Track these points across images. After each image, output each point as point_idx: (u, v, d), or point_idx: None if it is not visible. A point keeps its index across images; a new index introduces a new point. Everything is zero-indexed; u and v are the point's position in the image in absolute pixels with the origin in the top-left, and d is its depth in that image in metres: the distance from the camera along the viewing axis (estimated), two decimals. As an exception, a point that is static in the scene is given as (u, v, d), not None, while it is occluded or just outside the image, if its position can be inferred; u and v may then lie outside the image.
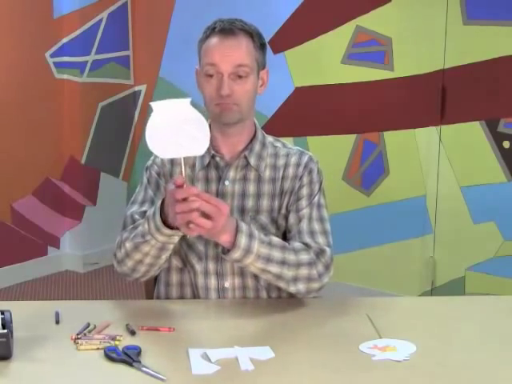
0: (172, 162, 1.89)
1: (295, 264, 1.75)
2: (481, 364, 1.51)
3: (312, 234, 1.83)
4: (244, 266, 1.74)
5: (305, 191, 1.87)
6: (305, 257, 1.78)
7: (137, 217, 1.83)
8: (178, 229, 1.65)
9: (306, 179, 1.88)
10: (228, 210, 1.64)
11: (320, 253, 1.80)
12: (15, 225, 4.30)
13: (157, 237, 1.70)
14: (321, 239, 1.83)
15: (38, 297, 4.08)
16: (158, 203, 1.69)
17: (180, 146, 1.60)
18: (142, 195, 1.89)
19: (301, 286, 1.77)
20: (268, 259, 1.72)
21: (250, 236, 1.70)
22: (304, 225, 1.85)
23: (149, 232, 1.70)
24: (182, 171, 1.62)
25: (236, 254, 1.69)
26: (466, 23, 3.53)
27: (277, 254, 1.73)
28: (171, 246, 1.75)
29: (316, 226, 1.85)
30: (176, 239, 1.73)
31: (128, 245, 1.77)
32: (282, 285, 1.77)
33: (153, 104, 1.62)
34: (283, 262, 1.74)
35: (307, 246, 1.81)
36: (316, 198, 1.88)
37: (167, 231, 1.67)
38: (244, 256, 1.69)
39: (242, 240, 1.68)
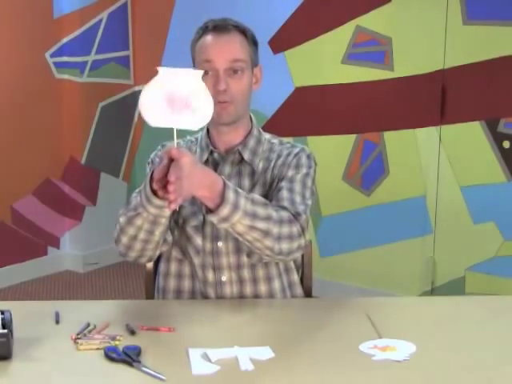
0: None
1: (278, 220, 1.72)
2: (481, 364, 1.51)
3: (292, 202, 1.80)
4: (230, 226, 1.68)
5: (290, 172, 1.87)
6: (285, 214, 1.75)
7: None
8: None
9: (292, 163, 1.88)
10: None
11: (296, 215, 1.77)
12: (15, 225, 4.30)
13: (148, 208, 1.67)
14: (299, 207, 1.80)
15: (38, 297, 4.08)
16: (149, 175, 1.67)
17: (177, 116, 1.55)
18: None
19: (284, 246, 1.73)
20: (254, 215, 1.68)
21: (236, 192, 1.67)
22: (284, 193, 1.82)
23: (140, 204, 1.69)
24: (174, 143, 1.57)
25: (225, 210, 1.63)
26: (466, 23, 3.53)
27: (261, 211, 1.70)
28: (163, 221, 1.72)
29: (297, 199, 1.82)
30: (167, 212, 1.69)
31: (122, 219, 1.77)
32: (268, 243, 1.71)
33: (160, 68, 1.56)
34: (268, 218, 1.70)
35: (284, 208, 1.78)
36: (300, 176, 1.86)
37: (157, 201, 1.64)
38: (232, 212, 1.64)
39: (230, 194, 1.64)
